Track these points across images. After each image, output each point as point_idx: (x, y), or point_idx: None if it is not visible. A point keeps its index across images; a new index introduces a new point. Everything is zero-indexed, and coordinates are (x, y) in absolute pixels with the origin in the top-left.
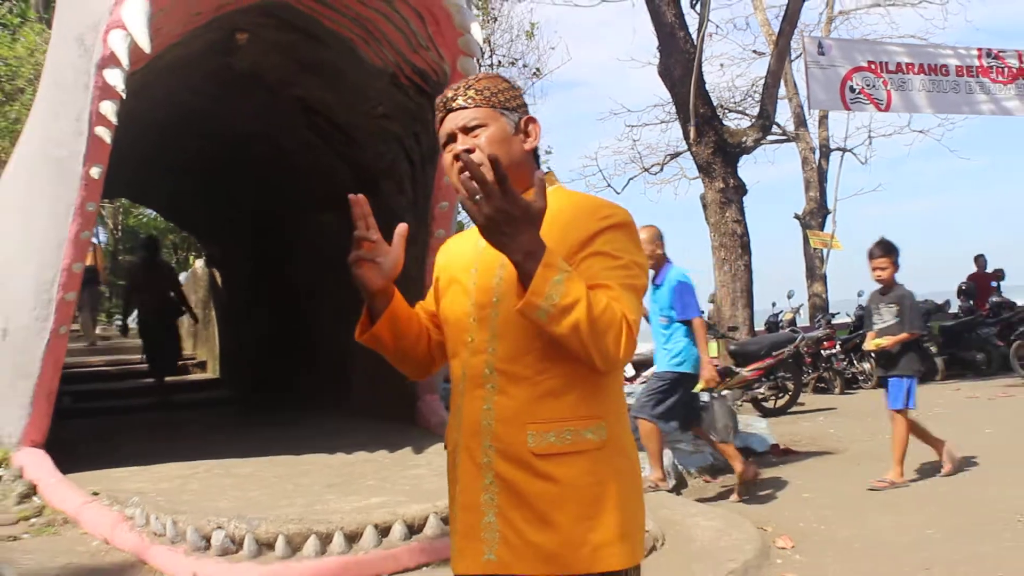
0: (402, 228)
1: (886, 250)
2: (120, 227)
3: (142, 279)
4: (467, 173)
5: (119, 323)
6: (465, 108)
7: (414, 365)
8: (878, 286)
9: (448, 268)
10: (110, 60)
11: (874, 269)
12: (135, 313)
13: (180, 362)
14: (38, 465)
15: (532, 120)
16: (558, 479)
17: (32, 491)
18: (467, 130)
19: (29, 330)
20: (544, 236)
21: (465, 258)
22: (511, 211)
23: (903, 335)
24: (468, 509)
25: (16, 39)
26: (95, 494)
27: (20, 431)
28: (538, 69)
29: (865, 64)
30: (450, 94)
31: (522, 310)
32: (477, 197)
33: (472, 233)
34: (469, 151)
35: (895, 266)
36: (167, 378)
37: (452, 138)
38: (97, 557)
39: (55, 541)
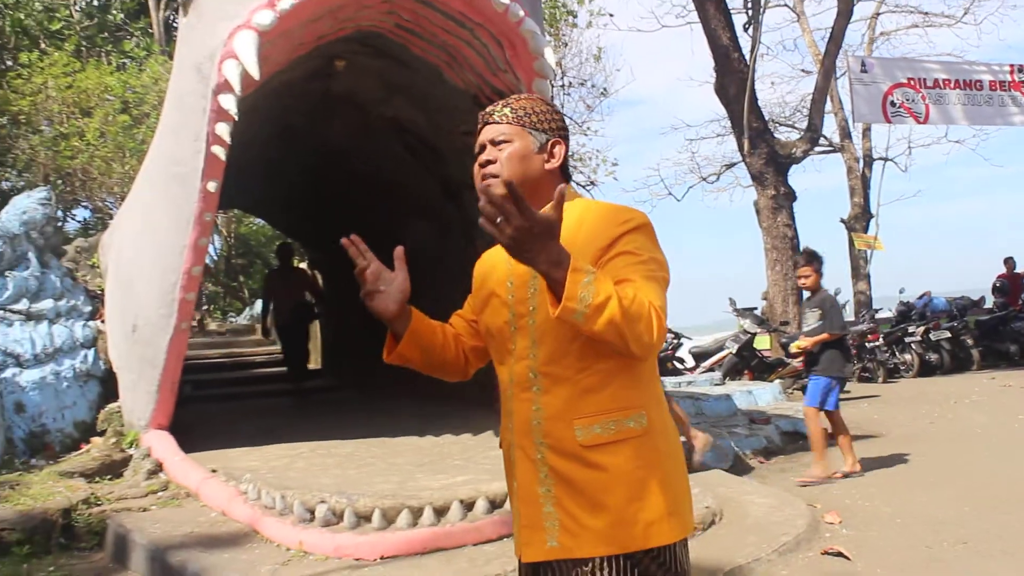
0: (399, 251)
1: (809, 259)
2: (233, 235)
3: (279, 286)
4: (485, 199)
5: (261, 327)
6: (498, 124)
7: (446, 372)
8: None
9: (486, 281)
10: (224, 86)
11: (799, 277)
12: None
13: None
14: (164, 445)
15: (559, 142)
16: (606, 467)
17: (159, 468)
18: (495, 143)
19: (155, 326)
20: (570, 244)
21: (500, 272)
22: (531, 228)
23: (822, 335)
24: (528, 502)
25: (142, 70)
26: (213, 471)
27: (148, 415)
28: (605, 89)
29: (905, 80)
30: (489, 108)
31: (560, 316)
32: (499, 220)
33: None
34: (494, 175)
35: (818, 273)
36: (301, 379)
37: (483, 148)
38: (215, 527)
39: (179, 512)
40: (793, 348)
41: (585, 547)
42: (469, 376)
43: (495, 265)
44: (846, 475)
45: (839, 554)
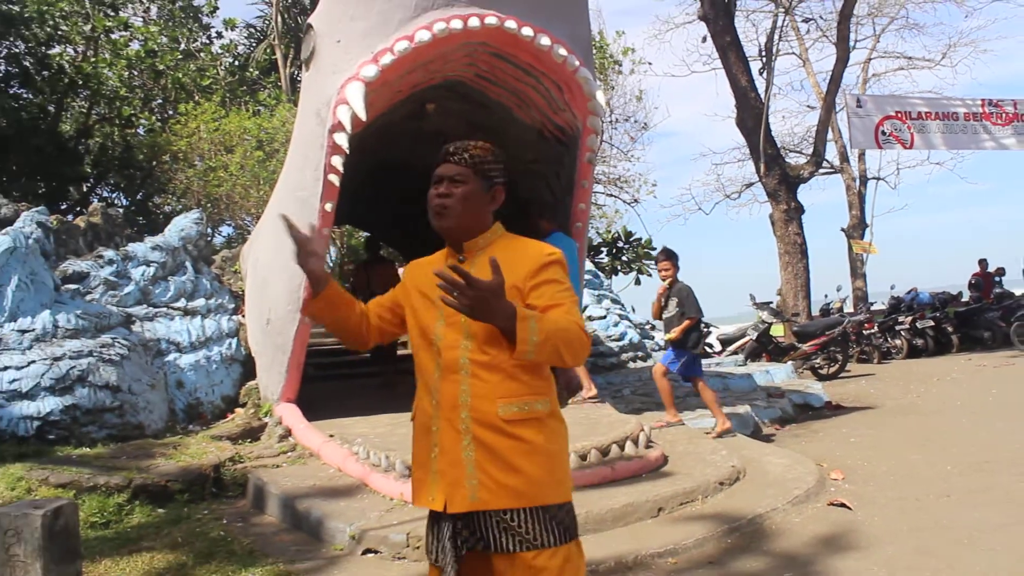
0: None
1: (667, 256)
2: (345, 245)
3: (364, 277)
4: (443, 283)
5: None
6: (457, 165)
7: (347, 336)
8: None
9: (417, 284)
10: (338, 127)
11: (660, 271)
12: None
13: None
14: (292, 415)
15: (500, 189)
16: (523, 438)
17: (288, 433)
18: (453, 180)
19: (284, 320)
20: (508, 267)
21: (432, 280)
22: (481, 296)
23: (686, 323)
24: (453, 464)
25: (273, 115)
26: (331, 436)
27: (279, 391)
28: (645, 124)
29: (893, 113)
30: (451, 149)
31: (516, 358)
32: (455, 294)
33: (438, 258)
34: (445, 206)
35: (675, 268)
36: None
37: (440, 181)
38: (333, 480)
39: (304, 469)
40: (666, 338)
41: (500, 501)
42: (368, 347)
43: (428, 275)
44: (720, 435)
45: (842, 505)
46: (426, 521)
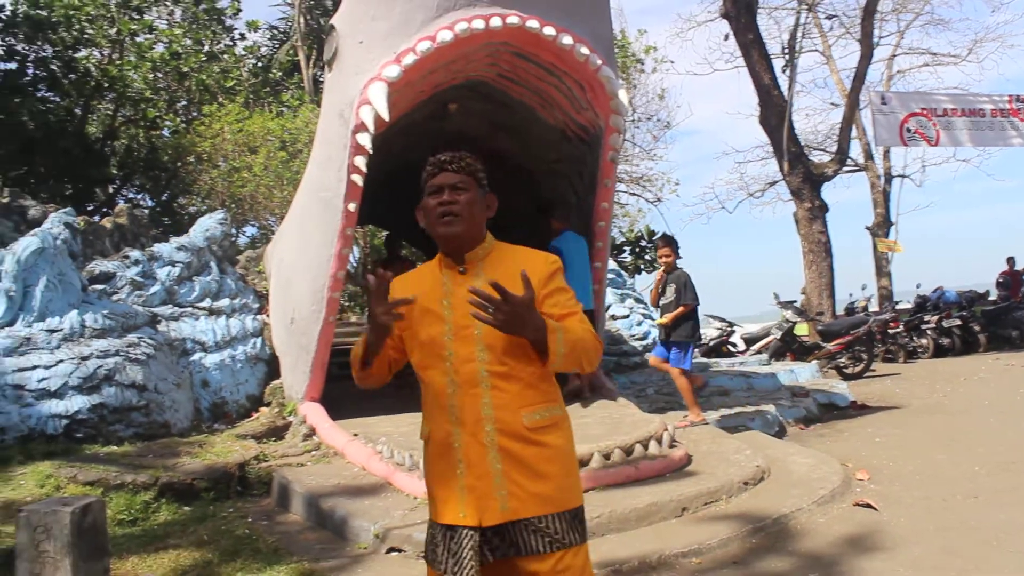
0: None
1: (667, 242)
2: (368, 245)
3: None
4: (475, 299)
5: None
6: (457, 173)
7: (378, 382)
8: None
9: (419, 299)
10: (361, 127)
11: (659, 256)
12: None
13: None
14: (316, 414)
15: (494, 197)
16: (547, 444)
17: (312, 432)
18: (455, 188)
19: (308, 320)
20: (513, 277)
21: (434, 292)
22: (517, 310)
23: (679, 309)
24: (480, 477)
25: (296, 116)
26: (355, 435)
27: (303, 390)
28: (668, 122)
29: (918, 110)
30: (445, 159)
31: (545, 368)
32: (491, 310)
33: (427, 272)
34: (455, 213)
35: (675, 254)
36: None
37: (440, 190)
38: (357, 479)
39: (328, 467)
40: (657, 323)
41: (530, 508)
42: (387, 382)
43: (423, 286)
44: (693, 424)
45: (868, 505)
46: (430, 532)
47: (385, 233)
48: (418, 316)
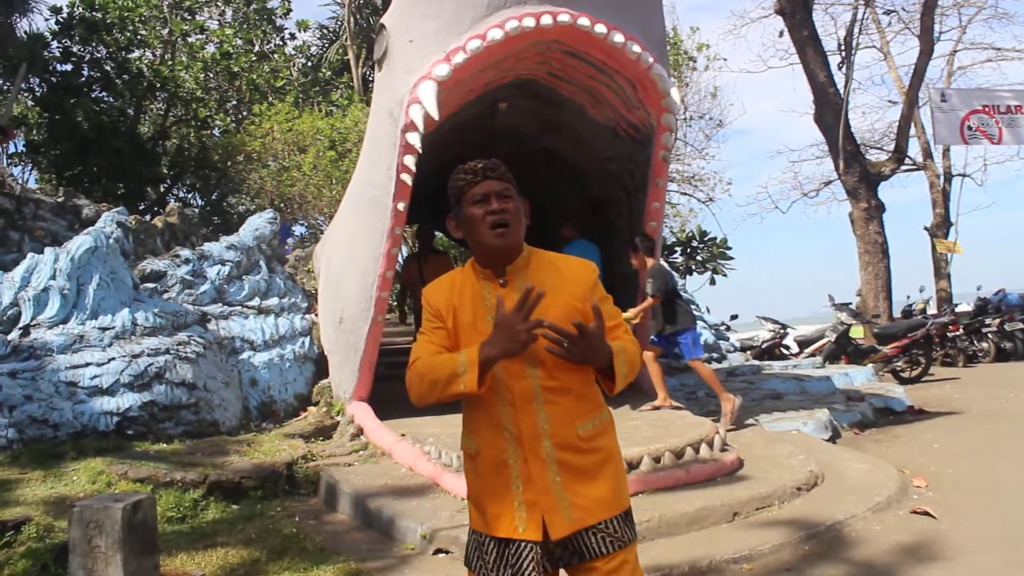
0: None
1: (634, 248)
2: (417, 245)
3: (416, 270)
4: (547, 333)
5: (398, 311)
6: (500, 180)
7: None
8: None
9: (459, 315)
10: (410, 126)
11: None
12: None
13: None
14: (364, 414)
15: (527, 202)
16: (601, 448)
17: (360, 432)
18: (502, 196)
19: (357, 319)
20: (558, 287)
21: (476, 307)
22: (591, 343)
23: (647, 302)
24: (544, 492)
25: (346, 115)
26: (403, 435)
27: (351, 390)
28: (720, 121)
29: (980, 107)
30: (487, 166)
31: (611, 392)
32: (565, 344)
33: (464, 282)
34: (504, 223)
35: (644, 254)
36: None
37: (486, 199)
38: (405, 480)
39: (376, 467)
40: (625, 316)
41: (596, 514)
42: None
43: (463, 299)
44: (656, 408)
45: (926, 513)
46: (475, 540)
47: (415, 226)
48: (464, 332)
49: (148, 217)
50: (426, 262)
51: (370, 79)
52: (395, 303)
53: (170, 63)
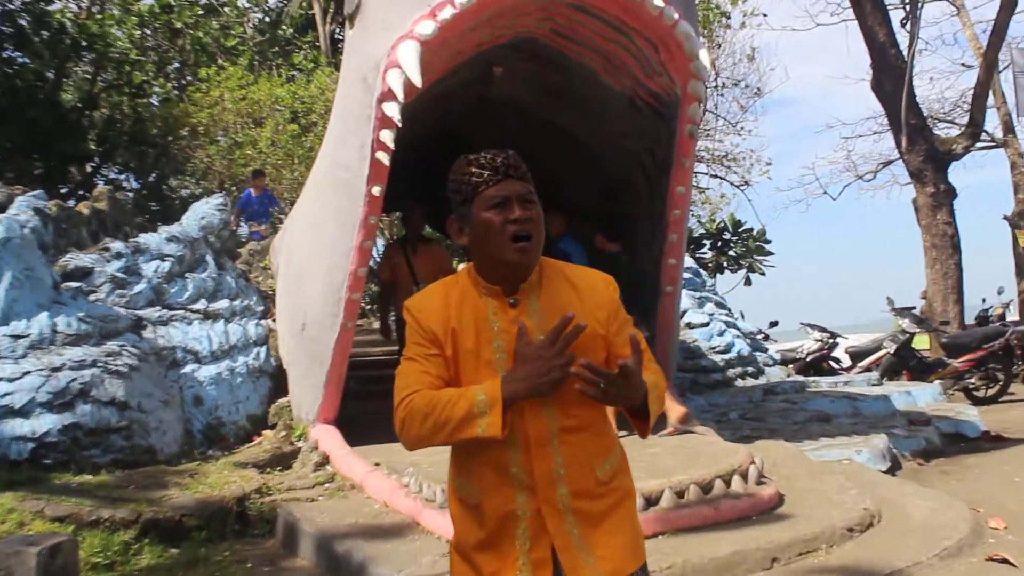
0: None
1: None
2: (395, 236)
3: (404, 264)
4: (587, 373)
5: (380, 324)
6: (522, 180)
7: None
8: None
9: (459, 340)
10: (388, 95)
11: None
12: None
13: None
14: (330, 439)
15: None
16: (617, 488)
17: (325, 460)
18: (524, 201)
19: (322, 324)
20: (576, 310)
21: (480, 330)
22: (631, 382)
23: None
24: (565, 549)
25: (310, 81)
26: (377, 465)
27: (315, 410)
28: (759, 89)
29: None
30: (510, 162)
31: (643, 436)
32: (602, 385)
33: (461, 298)
34: (527, 235)
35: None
36: None
37: (507, 203)
38: (378, 518)
39: (344, 503)
40: None
41: (623, 565)
42: None
43: (463, 320)
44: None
45: (1004, 561)
46: None
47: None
48: (465, 360)
49: (72, 202)
50: (415, 253)
51: (340, 38)
52: (368, 306)
53: (99, 17)
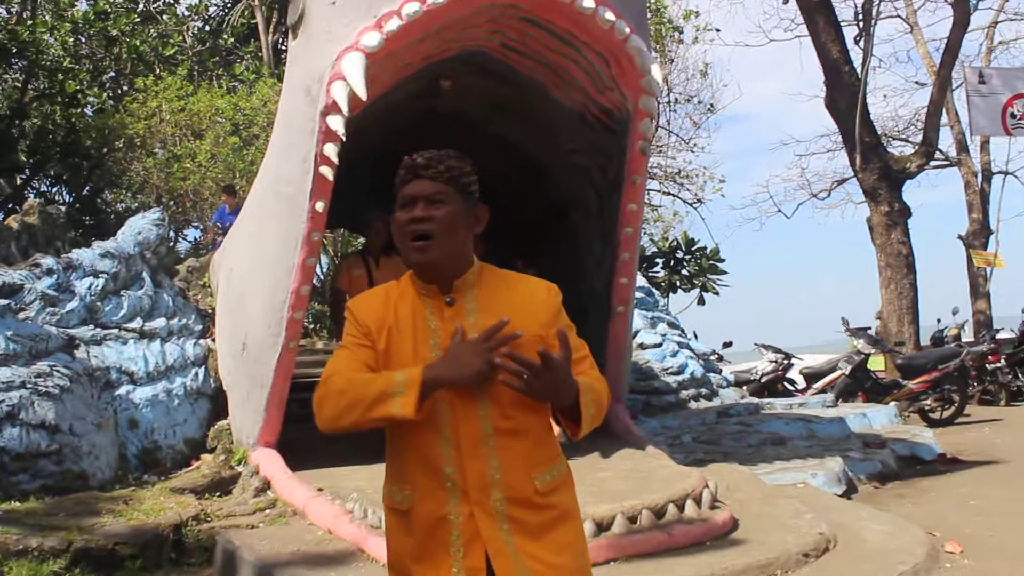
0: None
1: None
2: (339, 254)
3: (364, 282)
4: (510, 363)
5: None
6: (434, 180)
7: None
8: None
9: (393, 337)
10: (332, 108)
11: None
12: None
13: None
14: (271, 463)
15: (484, 207)
16: (557, 505)
17: (266, 486)
18: (429, 201)
19: (263, 345)
20: (516, 312)
21: (417, 328)
22: (558, 376)
23: None
24: (500, 555)
25: (252, 92)
26: (320, 490)
27: (256, 433)
28: (712, 105)
29: None
30: (421, 162)
31: (574, 437)
32: (525, 376)
33: (400, 298)
34: (426, 235)
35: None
36: None
37: (412, 202)
38: (322, 545)
39: (286, 530)
40: None
41: None
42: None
43: (399, 319)
44: None
45: None
46: None
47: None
48: (398, 358)
49: (0, 216)
50: (376, 266)
51: (283, 48)
52: (311, 325)
53: (30, 23)
